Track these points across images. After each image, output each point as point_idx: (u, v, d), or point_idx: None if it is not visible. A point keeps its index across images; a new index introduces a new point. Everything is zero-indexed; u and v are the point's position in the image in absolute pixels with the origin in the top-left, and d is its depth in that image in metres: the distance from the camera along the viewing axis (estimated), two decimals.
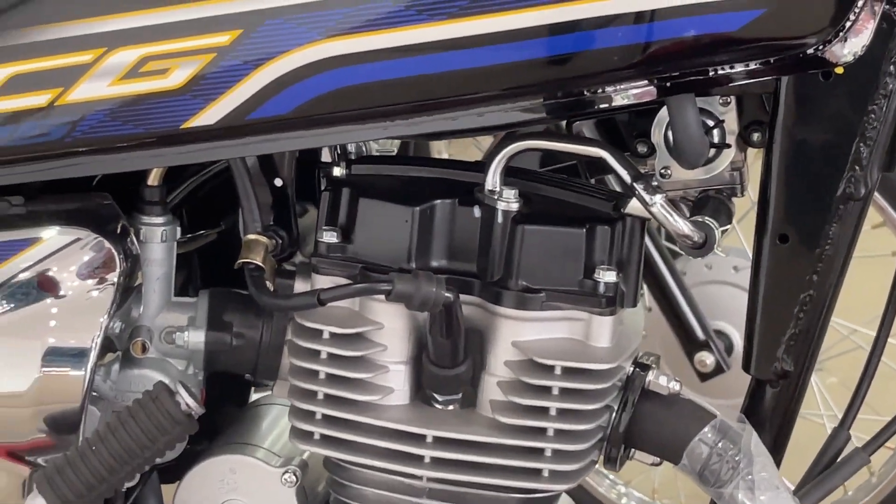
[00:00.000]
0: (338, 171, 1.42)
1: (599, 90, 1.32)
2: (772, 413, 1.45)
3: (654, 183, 1.36)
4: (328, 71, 1.27)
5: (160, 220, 1.47)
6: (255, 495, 1.53)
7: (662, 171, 1.42)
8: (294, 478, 1.51)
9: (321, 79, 1.28)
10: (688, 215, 1.39)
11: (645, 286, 2.40)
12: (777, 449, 1.45)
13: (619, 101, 1.34)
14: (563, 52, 1.30)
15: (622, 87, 1.32)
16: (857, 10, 1.26)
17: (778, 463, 1.45)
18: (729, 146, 1.40)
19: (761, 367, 1.42)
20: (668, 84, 1.31)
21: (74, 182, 1.45)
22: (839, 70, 1.31)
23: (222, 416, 1.61)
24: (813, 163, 1.35)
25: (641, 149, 1.42)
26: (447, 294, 1.32)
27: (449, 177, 1.42)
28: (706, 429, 1.39)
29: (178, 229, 1.48)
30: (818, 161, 1.35)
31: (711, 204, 1.42)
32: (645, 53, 1.28)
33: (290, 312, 1.41)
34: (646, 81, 1.31)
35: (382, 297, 1.34)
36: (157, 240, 1.46)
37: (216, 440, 1.58)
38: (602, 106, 1.34)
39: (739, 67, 1.30)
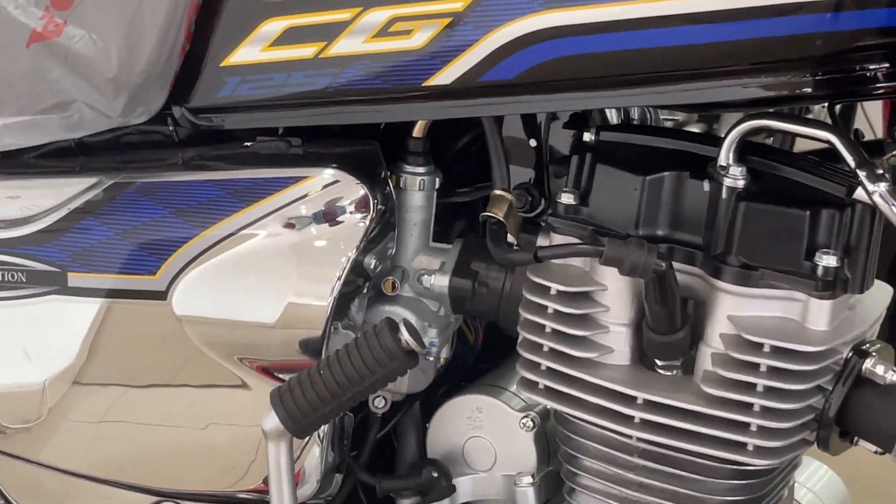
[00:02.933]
0: (587, 137, 1.48)
1: (866, 70, 1.32)
2: None
3: (880, 171, 1.34)
4: (550, 40, 1.33)
5: (421, 170, 1.56)
6: (497, 435, 1.61)
7: None
8: (532, 423, 1.59)
9: (543, 47, 1.33)
10: None
11: None
12: None
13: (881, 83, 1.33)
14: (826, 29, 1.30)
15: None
16: None
17: None
18: None
19: None
20: None
21: (359, 129, 1.58)
22: None
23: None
24: None
25: None
26: (658, 262, 1.36)
27: (686, 149, 1.45)
28: None
29: (438, 180, 1.57)
30: None
31: None
32: None
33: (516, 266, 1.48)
34: None
35: None
36: (416, 188, 1.56)
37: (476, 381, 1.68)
38: (866, 88, 1.34)
39: None
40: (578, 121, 1.55)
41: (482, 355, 1.78)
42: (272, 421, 1.44)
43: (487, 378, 1.67)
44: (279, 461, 1.45)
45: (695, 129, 1.87)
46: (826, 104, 1.52)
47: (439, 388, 1.70)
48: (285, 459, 1.45)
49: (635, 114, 1.72)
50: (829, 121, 1.46)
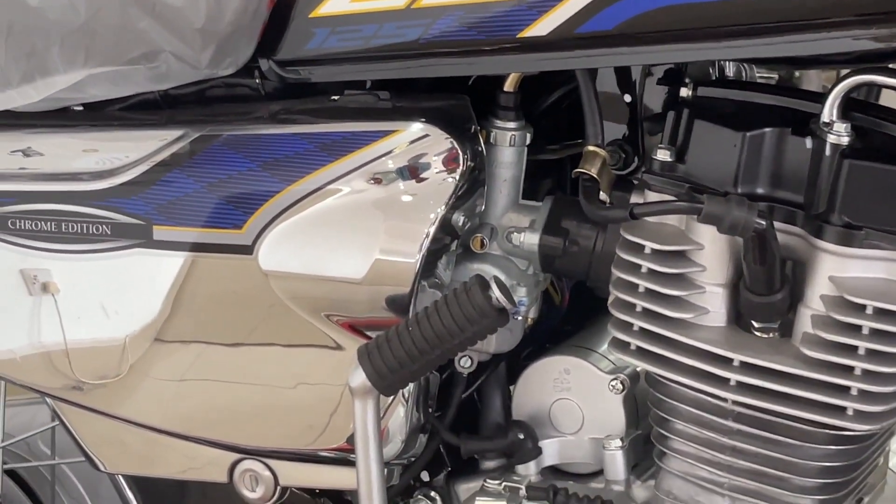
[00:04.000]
0: (684, 92, 1.44)
1: None
2: None
3: None
4: None
5: (512, 125, 1.53)
6: (585, 397, 1.59)
7: None
8: (621, 386, 1.56)
9: None
10: None
11: None
12: None
13: None
14: None
15: None
16: None
17: None
18: None
19: None
20: None
21: (448, 84, 1.55)
22: None
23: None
24: None
25: None
26: (758, 221, 1.32)
27: (788, 105, 1.41)
28: None
29: (529, 135, 1.54)
30: None
31: None
32: None
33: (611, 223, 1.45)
34: None
35: None
36: (506, 143, 1.53)
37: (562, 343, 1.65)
38: None
39: None
40: (674, 77, 1.52)
41: (566, 317, 1.76)
42: (359, 378, 1.41)
43: (575, 339, 1.64)
44: (366, 419, 1.43)
45: None
46: None
47: (524, 349, 1.67)
48: (372, 417, 1.43)
49: (730, 71, 1.67)
50: None
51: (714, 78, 1.64)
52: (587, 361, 1.59)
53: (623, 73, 1.55)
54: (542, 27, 1.35)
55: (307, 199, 1.49)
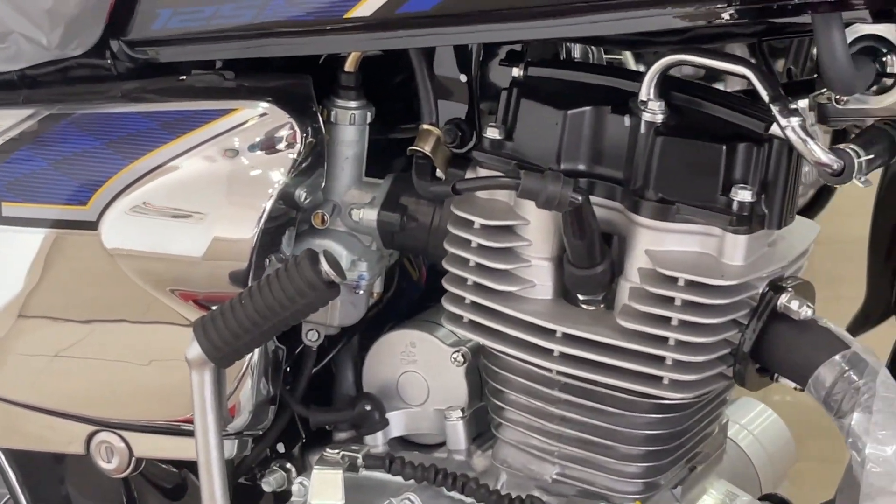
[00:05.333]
0: (515, 72, 1.48)
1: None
2: None
3: (794, 106, 1.34)
4: None
5: (353, 104, 1.57)
6: (430, 370, 1.63)
7: (837, 98, 1.40)
8: (462, 358, 1.60)
9: None
10: None
11: None
12: None
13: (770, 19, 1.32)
14: None
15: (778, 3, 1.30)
16: None
17: None
18: (895, 76, 1.37)
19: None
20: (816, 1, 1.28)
21: (300, 63, 1.58)
22: None
23: None
24: None
25: None
26: (574, 196, 1.36)
27: (611, 84, 1.45)
28: (836, 357, 1.37)
29: (370, 114, 1.58)
30: None
31: (871, 133, 1.39)
32: None
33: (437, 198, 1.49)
34: None
35: None
36: (347, 122, 1.57)
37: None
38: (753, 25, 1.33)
39: None
40: (515, 57, 1.56)
41: (430, 292, 1.79)
42: (195, 350, 1.45)
43: (425, 314, 1.68)
44: (203, 391, 1.47)
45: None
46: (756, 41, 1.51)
47: (385, 324, 1.71)
48: (209, 389, 1.47)
49: (577, 53, 1.72)
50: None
51: (562, 59, 1.68)
52: (432, 335, 1.62)
53: (462, 53, 1.58)
54: (365, 8, 1.39)
55: (148, 175, 1.53)
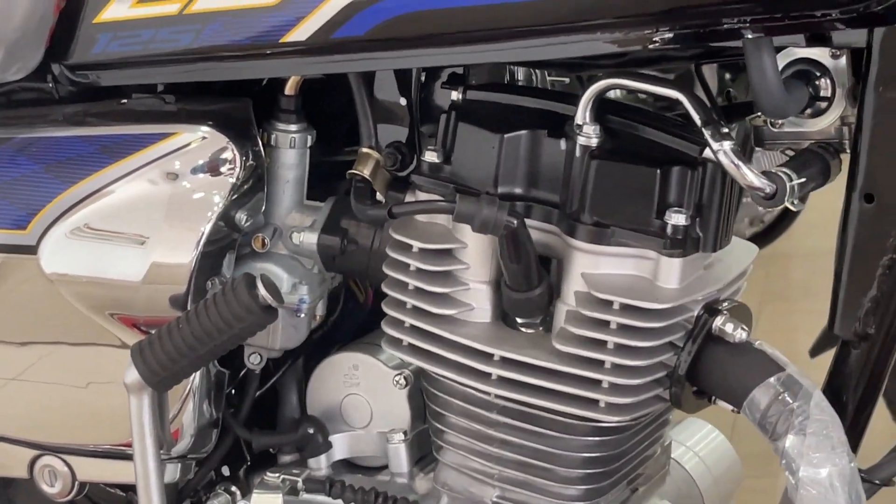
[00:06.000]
0: (454, 96, 1.49)
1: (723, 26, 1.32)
2: (857, 377, 1.42)
3: (726, 130, 1.35)
4: None
5: (293, 127, 1.57)
6: (373, 393, 1.63)
7: (772, 122, 1.41)
8: (405, 381, 1.60)
9: (389, 3, 1.35)
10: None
11: None
12: (859, 414, 1.43)
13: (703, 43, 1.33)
14: None
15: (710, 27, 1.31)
16: None
17: (862, 429, 1.43)
18: (829, 99, 1.37)
19: (843, 325, 1.39)
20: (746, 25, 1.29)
21: (242, 87, 1.59)
22: None
23: None
24: None
25: None
26: (510, 219, 1.36)
27: (549, 108, 1.46)
28: (771, 380, 1.38)
29: (311, 138, 1.58)
30: None
31: (804, 157, 1.40)
32: None
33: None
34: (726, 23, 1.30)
35: None
36: (287, 146, 1.57)
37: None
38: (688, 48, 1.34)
39: (819, 15, 1.27)
40: (457, 80, 1.56)
41: (376, 314, 1.79)
42: (133, 375, 1.46)
43: (369, 336, 1.68)
44: (141, 415, 1.47)
45: None
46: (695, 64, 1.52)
47: (331, 346, 1.71)
48: (148, 413, 1.47)
49: (520, 75, 1.72)
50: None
51: (503, 82, 1.68)
52: (375, 357, 1.63)
53: (403, 77, 1.59)
54: (301, 32, 1.40)
55: (87, 200, 1.53)
